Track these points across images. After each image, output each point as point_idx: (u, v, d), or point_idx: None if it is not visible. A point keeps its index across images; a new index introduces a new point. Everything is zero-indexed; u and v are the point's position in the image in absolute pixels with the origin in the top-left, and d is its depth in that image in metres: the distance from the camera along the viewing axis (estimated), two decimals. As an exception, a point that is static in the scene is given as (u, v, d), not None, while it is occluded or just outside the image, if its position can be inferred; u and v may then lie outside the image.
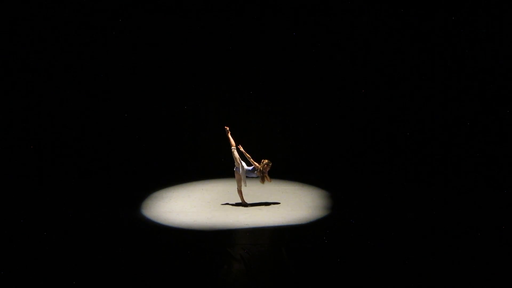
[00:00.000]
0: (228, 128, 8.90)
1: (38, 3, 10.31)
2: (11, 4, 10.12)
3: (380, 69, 10.97)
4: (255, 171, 8.57)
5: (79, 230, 7.54)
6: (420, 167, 10.54)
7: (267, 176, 8.59)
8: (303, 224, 7.73)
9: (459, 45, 10.25)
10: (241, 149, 8.75)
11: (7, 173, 10.17)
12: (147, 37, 11.10)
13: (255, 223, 7.79)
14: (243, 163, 8.71)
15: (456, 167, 10.19)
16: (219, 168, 10.92)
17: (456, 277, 5.73)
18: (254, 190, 9.64)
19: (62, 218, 8.13)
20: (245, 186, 8.73)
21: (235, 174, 8.74)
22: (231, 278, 5.83)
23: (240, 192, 8.81)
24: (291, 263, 6.12)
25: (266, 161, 8.56)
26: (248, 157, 8.68)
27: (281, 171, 11.14)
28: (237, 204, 8.84)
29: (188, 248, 6.75)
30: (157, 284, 5.71)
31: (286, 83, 11.46)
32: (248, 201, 8.92)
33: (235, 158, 8.69)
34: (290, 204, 8.82)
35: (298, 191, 9.82)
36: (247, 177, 8.68)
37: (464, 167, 10.11)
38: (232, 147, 8.74)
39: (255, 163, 8.60)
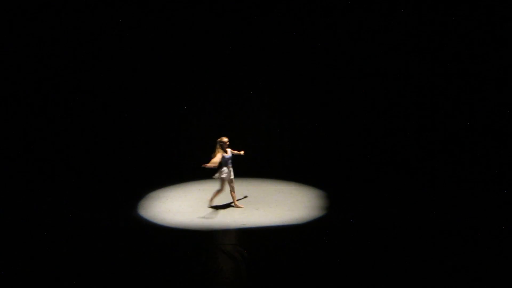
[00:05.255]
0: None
1: (38, 3, 10.28)
2: (11, 4, 10.09)
3: (378, 70, 10.98)
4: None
5: (77, 230, 7.53)
6: (418, 167, 10.55)
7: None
8: (300, 224, 7.74)
9: (458, 46, 10.26)
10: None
11: (7, 173, 10.16)
12: (146, 38, 11.09)
13: (252, 223, 7.80)
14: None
15: (455, 167, 10.20)
16: (216, 168, 10.91)
17: (456, 277, 5.75)
18: (251, 190, 9.65)
19: (60, 218, 8.11)
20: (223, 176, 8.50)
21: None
22: (228, 277, 5.83)
23: (217, 192, 8.71)
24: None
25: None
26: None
27: (278, 171, 11.29)
28: (233, 204, 8.84)
29: (185, 248, 6.74)
30: (154, 284, 5.71)
31: (285, 84, 11.47)
32: (245, 201, 8.93)
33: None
34: (287, 204, 8.83)
35: (295, 191, 9.83)
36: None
37: (463, 167, 10.12)
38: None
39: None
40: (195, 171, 11.10)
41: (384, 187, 9.78)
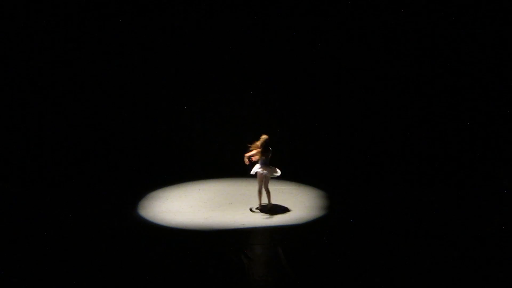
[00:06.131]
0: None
1: (38, 3, 10.29)
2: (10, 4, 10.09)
3: (378, 70, 10.98)
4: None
5: (76, 230, 7.52)
6: (417, 168, 10.54)
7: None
8: (300, 224, 7.73)
9: (458, 46, 10.26)
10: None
11: (7, 173, 10.16)
12: (146, 38, 11.08)
13: (252, 223, 7.79)
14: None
15: (455, 167, 10.19)
16: (216, 168, 10.93)
17: (455, 277, 5.74)
18: (251, 190, 9.63)
19: (60, 218, 8.09)
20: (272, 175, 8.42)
21: (258, 175, 8.49)
22: (228, 278, 5.83)
23: (260, 192, 8.61)
24: (288, 263, 6.12)
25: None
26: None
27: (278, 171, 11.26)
28: (233, 204, 8.83)
29: (185, 248, 6.74)
30: (154, 284, 5.71)
31: (284, 84, 11.47)
32: (245, 201, 8.93)
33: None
34: (287, 204, 8.82)
35: (295, 191, 9.82)
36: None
37: (463, 168, 10.11)
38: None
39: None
40: (195, 171, 11.29)
41: (385, 187, 9.78)
